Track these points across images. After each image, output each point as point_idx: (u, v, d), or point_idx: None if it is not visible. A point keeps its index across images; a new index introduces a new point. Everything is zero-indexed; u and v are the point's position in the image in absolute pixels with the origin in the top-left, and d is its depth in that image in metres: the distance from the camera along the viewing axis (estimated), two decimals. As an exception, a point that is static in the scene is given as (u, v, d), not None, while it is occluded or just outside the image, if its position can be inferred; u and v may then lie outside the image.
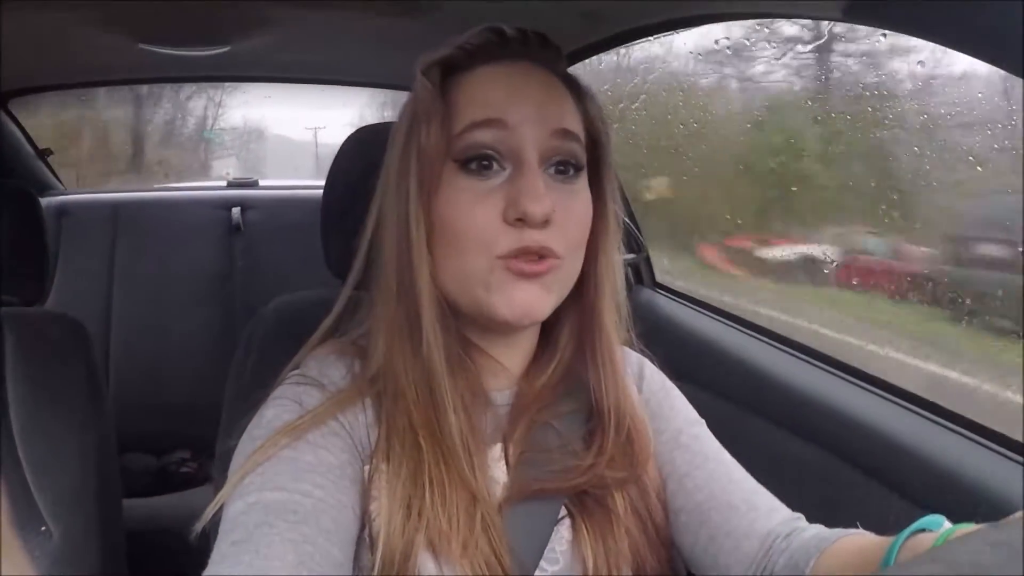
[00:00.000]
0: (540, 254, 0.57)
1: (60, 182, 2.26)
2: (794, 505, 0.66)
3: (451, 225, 0.58)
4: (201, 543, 0.54)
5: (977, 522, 0.71)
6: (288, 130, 4.49)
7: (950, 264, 1.19)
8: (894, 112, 1.18)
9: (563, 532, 0.62)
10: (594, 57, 1.28)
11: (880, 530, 0.56)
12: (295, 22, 1.36)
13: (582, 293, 0.65)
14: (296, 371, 0.63)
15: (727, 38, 1.32)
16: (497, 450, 0.62)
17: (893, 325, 1.19)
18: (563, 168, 0.60)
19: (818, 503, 0.88)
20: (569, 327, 0.67)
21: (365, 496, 0.57)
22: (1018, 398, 0.99)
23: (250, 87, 3.10)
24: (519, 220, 0.56)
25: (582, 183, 0.62)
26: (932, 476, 0.79)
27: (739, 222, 1.63)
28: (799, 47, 1.31)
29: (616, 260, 0.66)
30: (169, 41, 1.46)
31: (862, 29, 1.15)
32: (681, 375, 0.77)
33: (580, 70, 1.35)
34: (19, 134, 2.02)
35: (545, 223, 0.57)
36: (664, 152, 1.71)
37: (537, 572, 0.59)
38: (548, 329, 0.67)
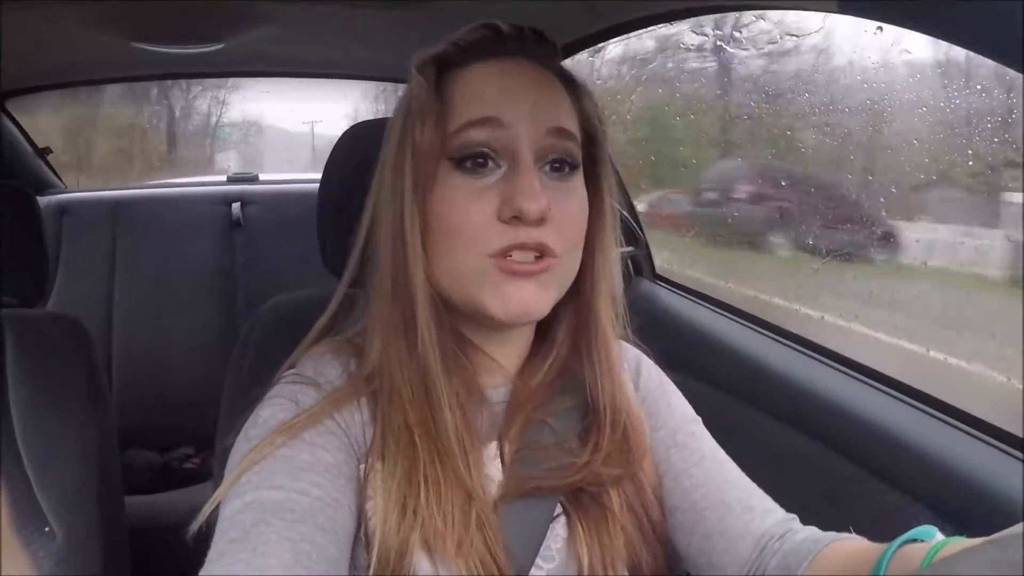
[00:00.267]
0: (538, 251, 0.57)
1: (60, 180, 2.26)
2: (791, 498, 0.66)
3: (446, 223, 0.58)
4: (203, 540, 0.54)
5: (973, 518, 0.72)
6: (285, 123, 4.55)
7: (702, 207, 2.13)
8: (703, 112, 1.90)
9: (559, 530, 0.62)
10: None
11: (876, 524, 0.57)
12: (287, 17, 1.35)
13: (579, 290, 0.65)
14: (292, 370, 0.63)
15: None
16: (492, 448, 0.62)
17: (680, 249, 1.92)
18: (558, 166, 0.60)
19: (816, 497, 0.88)
20: (565, 324, 0.66)
21: (361, 495, 0.57)
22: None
23: (248, 82, 3.12)
24: (514, 218, 0.56)
25: (578, 180, 0.62)
26: (929, 470, 0.79)
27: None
28: (685, 54, 1.76)
29: (613, 257, 0.66)
30: (163, 39, 1.46)
31: (746, 46, 1.51)
32: (680, 367, 0.77)
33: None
34: (18, 134, 2.02)
35: (541, 221, 0.57)
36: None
37: (533, 570, 0.59)
38: (544, 326, 0.67)
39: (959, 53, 1.06)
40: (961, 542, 0.46)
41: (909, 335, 1.19)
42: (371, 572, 0.55)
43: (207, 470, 1.91)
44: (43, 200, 2.04)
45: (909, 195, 1.34)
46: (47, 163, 2.19)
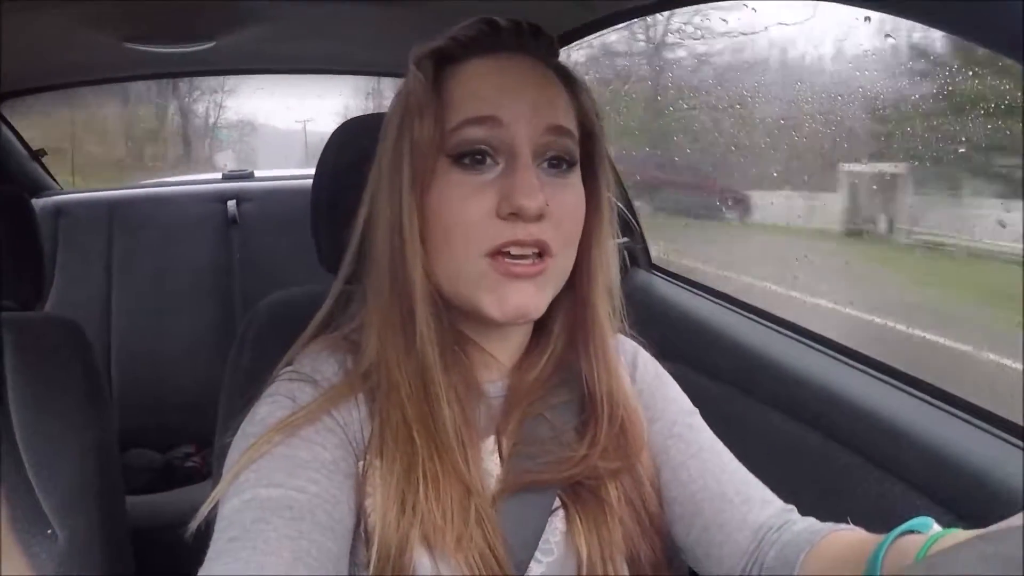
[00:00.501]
0: (536, 247, 0.57)
1: (56, 182, 2.25)
2: (789, 487, 0.66)
3: (443, 219, 0.58)
4: (205, 539, 0.54)
5: (972, 506, 0.72)
6: (277, 121, 4.61)
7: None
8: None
9: (557, 523, 0.62)
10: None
11: (874, 512, 0.57)
12: (278, 15, 1.35)
13: (575, 285, 0.65)
14: (289, 367, 0.64)
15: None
16: (490, 442, 0.62)
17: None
18: (556, 162, 0.60)
19: (814, 486, 0.88)
20: (562, 319, 0.67)
21: (360, 491, 0.57)
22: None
23: (243, 83, 3.14)
24: (512, 215, 0.56)
25: (575, 177, 0.62)
26: (928, 459, 0.79)
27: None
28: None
29: (610, 251, 0.66)
30: (154, 39, 1.45)
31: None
32: (677, 357, 0.76)
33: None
34: (12, 136, 2.02)
35: (539, 217, 0.57)
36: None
37: (532, 564, 0.60)
38: (541, 321, 0.67)
39: (828, 50, 1.40)
40: (958, 534, 0.46)
41: (751, 274, 1.55)
42: (371, 569, 0.55)
43: (208, 468, 1.91)
44: (39, 202, 2.04)
45: (774, 170, 1.72)
46: (42, 165, 2.18)
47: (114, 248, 2.02)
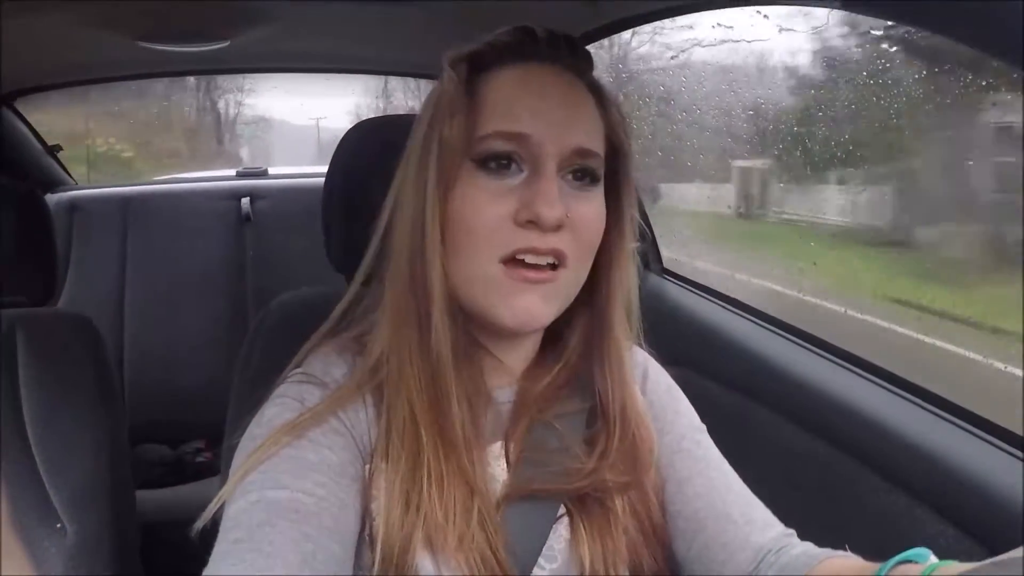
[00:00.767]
0: (552, 257, 0.58)
1: (71, 177, 2.27)
2: (795, 496, 0.66)
3: (463, 221, 0.58)
4: (211, 537, 0.54)
5: (976, 519, 0.71)
6: (291, 117, 4.65)
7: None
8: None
9: (561, 530, 0.62)
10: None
11: (879, 524, 0.56)
12: (292, 15, 1.35)
13: (593, 300, 0.65)
14: (298, 369, 0.63)
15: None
16: (497, 447, 0.62)
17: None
18: (580, 175, 0.60)
19: (820, 495, 0.87)
20: (580, 331, 0.66)
21: (366, 495, 0.57)
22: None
23: (259, 81, 3.18)
24: (530, 222, 0.57)
25: (598, 191, 0.62)
26: (935, 471, 0.78)
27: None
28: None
29: (630, 270, 0.66)
30: (168, 38, 1.46)
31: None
32: (688, 362, 0.76)
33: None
34: (28, 132, 2.04)
35: (557, 227, 0.57)
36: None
37: (535, 569, 0.60)
38: (556, 331, 0.67)
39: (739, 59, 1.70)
40: (954, 566, 0.46)
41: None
42: (375, 569, 0.55)
43: (219, 464, 1.92)
44: (54, 197, 2.05)
45: (690, 164, 2.22)
46: (57, 160, 2.20)
47: (128, 244, 2.03)
